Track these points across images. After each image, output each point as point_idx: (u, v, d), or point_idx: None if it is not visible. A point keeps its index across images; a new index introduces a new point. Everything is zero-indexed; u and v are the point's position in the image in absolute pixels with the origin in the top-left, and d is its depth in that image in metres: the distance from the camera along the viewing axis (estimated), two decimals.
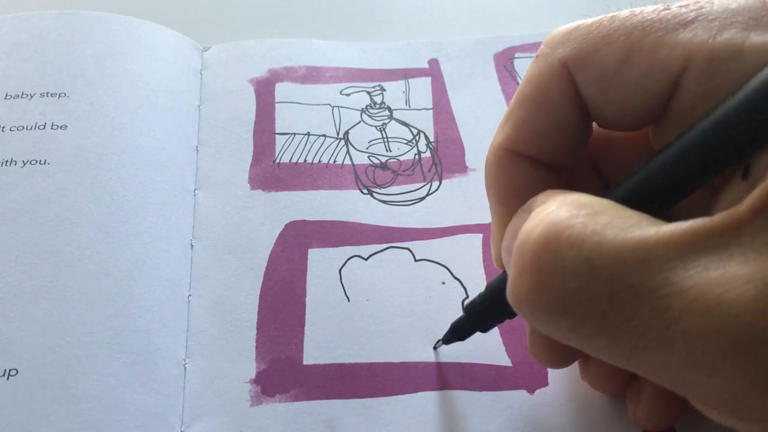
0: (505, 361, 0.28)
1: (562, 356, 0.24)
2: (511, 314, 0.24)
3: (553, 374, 0.27)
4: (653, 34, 0.19)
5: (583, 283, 0.16)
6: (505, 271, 0.23)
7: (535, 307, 0.17)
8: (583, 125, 0.23)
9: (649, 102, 0.20)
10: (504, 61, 0.39)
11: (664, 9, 0.20)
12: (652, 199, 0.19)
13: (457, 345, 0.28)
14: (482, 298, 0.25)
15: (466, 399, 0.26)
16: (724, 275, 0.15)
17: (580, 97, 0.21)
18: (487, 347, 0.28)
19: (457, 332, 0.27)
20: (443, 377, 0.27)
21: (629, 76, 0.20)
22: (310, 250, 0.31)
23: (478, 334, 0.26)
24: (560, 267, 0.16)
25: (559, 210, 0.17)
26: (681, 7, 0.20)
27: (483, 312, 0.25)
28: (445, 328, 0.28)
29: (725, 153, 0.18)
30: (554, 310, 0.17)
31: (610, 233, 0.16)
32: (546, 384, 0.27)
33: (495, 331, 0.28)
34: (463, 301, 0.29)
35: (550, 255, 0.16)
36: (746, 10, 0.18)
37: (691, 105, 0.19)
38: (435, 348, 0.28)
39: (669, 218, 0.17)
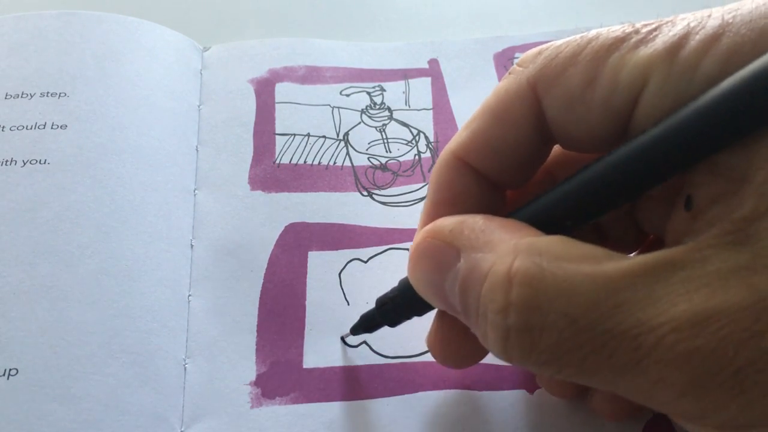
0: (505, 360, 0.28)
1: (569, 388, 0.26)
2: (420, 313, 0.25)
3: None
4: (616, 52, 0.19)
5: (565, 336, 0.17)
6: None
7: (526, 361, 0.18)
8: (539, 148, 0.22)
9: (613, 122, 0.20)
10: (504, 61, 0.39)
11: (629, 26, 0.20)
12: (564, 217, 0.20)
13: None
14: (393, 295, 0.25)
15: (466, 399, 0.26)
16: (690, 309, 0.16)
17: (542, 120, 0.21)
18: None
19: (365, 325, 0.27)
20: (443, 377, 0.27)
21: (594, 98, 0.20)
22: (309, 253, 0.31)
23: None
24: (545, 326, 0.17)
25: (524, 262, 0.18)
26: (645, 24, 0.20)
27: (393, 308, 0.25)
28: None
29: (627, 186, 0.19)
30: (542, 362, 0.18)
31: (579, 281, 0.17)
32: None
33: None
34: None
35: (535, 317, 0.18)
36: (706, 28, 0.18)
37: (648, 122, 0.19)
38: (342, 338, 0.28)
39: (604, 234, 0.18)
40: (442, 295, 0.21)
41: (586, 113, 0.20)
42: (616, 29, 0.20)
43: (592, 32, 0.20)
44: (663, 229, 0.21)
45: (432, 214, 0.23)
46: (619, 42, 0.19)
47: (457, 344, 0.25)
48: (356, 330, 0.27)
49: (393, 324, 0.26)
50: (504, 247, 0.19)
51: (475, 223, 0.20)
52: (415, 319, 0.25)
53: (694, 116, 0.17)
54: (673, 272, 0.17)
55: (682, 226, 0.19)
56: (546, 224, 0.20)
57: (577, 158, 0.23)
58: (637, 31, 0.19)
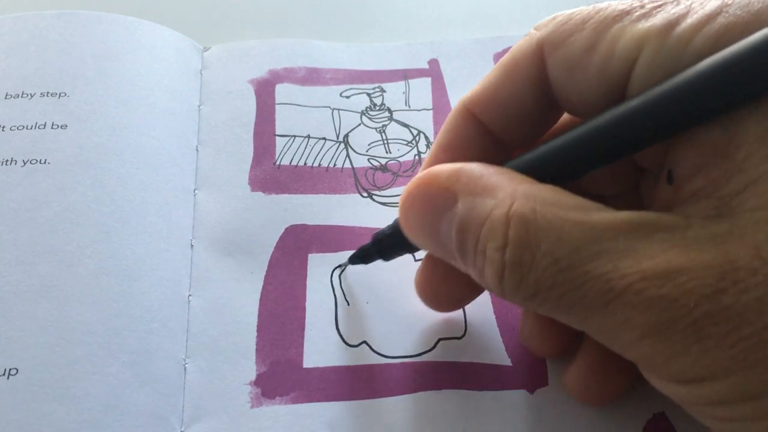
0: (505, 360, 0.28)
1: (552, 343, 0.27)
2: (411, 250, 0.27)
3: (553, 374, 0.27)
4: (619, 23, 0.21)
5: (549, 273, 0.19)
6: None
7: (515, 295, 0.20)
8: (545, 109, 0.24)
9: (608, 89, 0.21)
10: None
11: (638, 1, 0.21)
12: (554, 170, 0.21)
13: (456, 344, 0.28)
14: (389, 231, 0.27)
15: (466, 399, 0.26)
16: (662, 264, 0.18)
17: (547, 80, 0.23)
18: (487, 347, 0.28)
19: (362, 255, 0.29)
20: (443, 377, 0.27)
21: (592, 63, 0.21)
22: (309, 255, 0.31)
23: (476, 334, 0.27)
24: (534, 263, 0.19)
25: (521, 205, 0.19)
26: (652, 1, 0.21)
27: (387, 243, 0.27)
28: (445, 327, 0.28)
29: (612, 147, 0.20)
30: (528, 296, 0.20)
31: (567, 226, 0.19)
32: (546, 384, 0.27)
33: (495, 331, 0.28)
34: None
35: (527, 255, 0.19)
36: (705, 8, 0.19)
37: (640, 92, 0.20)
38: (339, 266, 0.30)
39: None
40: (436, 238, 0.22)
41: (584, 77, 0.21)
42: (625, 2, 0.21)
43: (604, 3, 0.22)
44: (652, 201, 0.22)
45: (434, 160, 0.25)
46: (623, 14, 0.21)
47: (443, 287, 0.26)
48: (353, 259, 0.29)
49: (386, 258, 0.28)
50: (503, 192, 0.20)
51: (473, 170, 0.21)
52: (414, 325, 0.27)
53: (676, 88, 0.18)
54: (654, 232, 0.18)
55: (665, 197, 0.20)
56: (537, 175, 0.21)
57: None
58: (642, 6, 0.21)
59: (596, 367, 0.25)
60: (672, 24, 0.19)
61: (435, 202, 0.22)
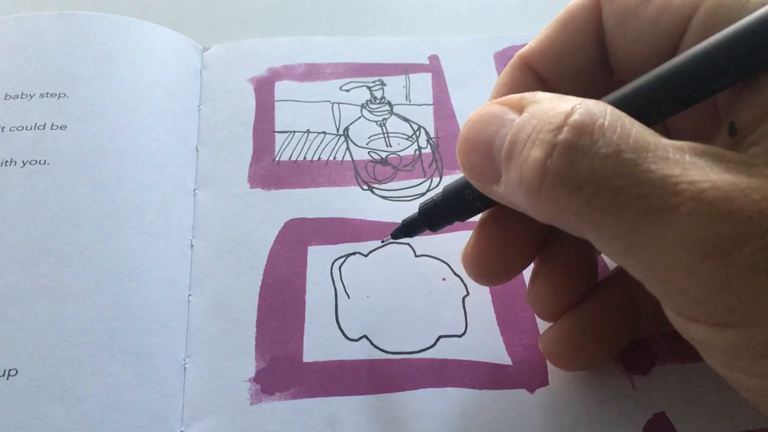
0: (505, 359, 0.28)
1: (556, 306, 0.25)
2: (460, 216, 0.25)
3: (553, 374, 0.27)
4: None
5: (609, 162, 0.17)
6: (461, 178, 0.24)
7: (561, 180, 0.18)
8: (598, 66, 0.24)
9: (660, 42, 0.21)
10: (504, 60, 0.39)
11: None
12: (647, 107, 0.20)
13: (456, 342, 0.28)
14: (437, 199, 0.26)
15: (466, 397, 0.26)
16: (734, 180, 0.16)
17: (602, 31, 0.23)
18: (488, 346, 0.28)
19: (407, 229, 0.28)
20: (443, 375, 0.27)
21: (646, 14, 0.21)
22: (309, 248, 0.31)
23: (477, 329, 0.27)
24: (592, 149, 0.17)
25: (589, 104, 0.18)
26: None
27: (435, 211, 0.26)
28: (446, 324, 0.28)
29: (702, 82, 0.19)
30: (578, 184, 0.17)
31: (636, 131, 0.17)
32: (546, 383, 0.27)
33: (495, 330, 0.28)
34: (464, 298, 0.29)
35: (586, 137, 0.17)
36: None
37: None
38: (383, 241, 0.30)
39: None
40: (486, 148, 0.21)
41: (636, 28, 0.21)
42: None
43: None
44: None
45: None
46: None
47: (493, 257, 0.25)
48: (397, 234, 0.28)
49: (434, 228, 0.26)
50: (571, 98, 0.19)
51: (547, 93, 0.20)
52: (415, 321, 0.26)
53: (741, 34, 0.18)
54: (722, 160, 0.17)
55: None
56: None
57: None
58: None
59: (575, 333, 0.25)
60: None
61: (500, 114, 0.21)
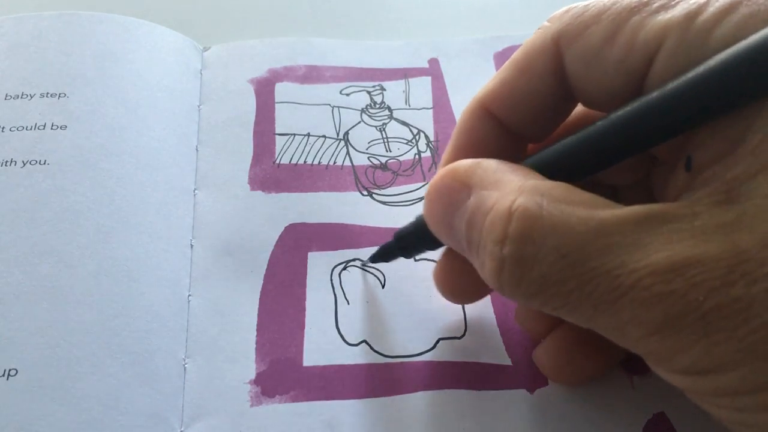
0: (505, 360, 0.28)
1: (544, 324, 0.26)
2: (433, 247, 0.26)
3: None
4: (637, 15, 0.20)
5: (554, 269, 0.19)
6: None
7: (515, 292, 0.20)
8: (561, 102, 0.23)
9: (627, 82, 0.21)
10: (504, 60, 0.39)
11: None
12: (571, 166, 0.21)
13: (456, 344, 0.28)
14: (411, 229, 0.27)
15: (466, 398, 0.26)
16: (671, 257, 0.17)
17: (564, 74, 0.22)
18: (487, 347, 0.28)
19: (383, 254, 0.29)
20: (443, 376, 0.27)
21: (611, 55, 0.21)
22: (309, 254, 0.31)
23: (478, 332, 0.27)
24: (537, 259, 0.19)
25: (526, 199, 0.19)
26: None
27: (410, 241, 0.27)
28: (445, 326, 0.28)
29: (635, 138, 0.20)
30: (531, 293, 0.19)
31: (574, 222, 0.18)
32: (546, 384, 0.27)
33: (495, 331, 0.28)
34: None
35: (529, 249, 0.19)
36: None
37: (660, 84, 0.19)
38: (363, 266, 0.30)
39: (622, 201, 0.19)
40: (451, 232, 0.22)
41: (602, 70, 0.21)
42: None
43: None
44: (664, 189, 0.22)
45: (451, 157, 0.25)
46: (642, 6, 0.20)
47: (460, 280, 0.26)
48: (375, 258, 0.29)
49: (408, 255, 0.28)
50: (510, 186, 0.20)
51: (489, 165, 0.22)
52: (414, 324, 0.26)
53: (700, 79, 0.18)
54: (662, 223, 0.18)
55: (680, 185, 0.20)
56: (554, 172, 0.21)
57: (597, 117, 0.24)
58: None
59: (568, 347, 0.26)
60: (693, 15, 0.19)
61: (452, 196, 0.22)
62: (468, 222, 0.21)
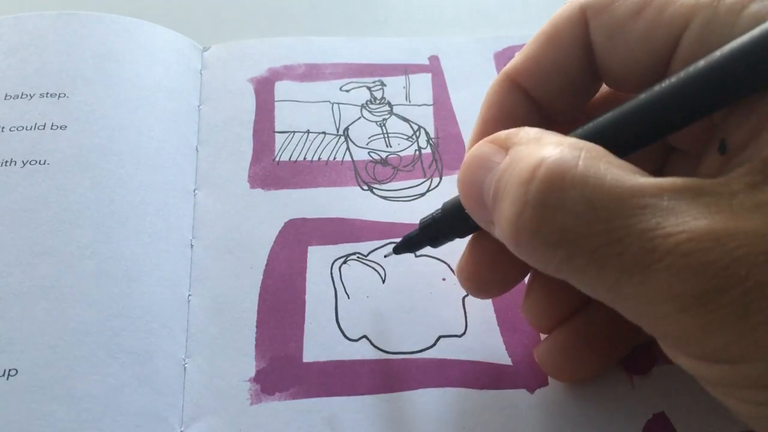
0: (505, 359, 0.28)
1: (551, 318, 0.26)
2: (461, 234, 0.25)
3: None
4: None
5: (582, 220, 0.17)
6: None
7: (535, 238, 0.18)
8: (587, 77, 0.23)
9: (651, 58, 0.21)
10: (504, 60, 0.39)
11: None
12: (614, 143, 0.20)
13: (456, 342, 0.28)
14: (437, 216, 0.26)
15: (466, 397, 0.26)
16: (710, 225, 0.16)
17: (590, 46, 0.22)
18: (488, 346, 0.28)
19: (408, 244, 0.28)
20: (443, 375, 0.27)
21: (636, 30, 0.21)
22: (309, 248, 0.31)
23: (476, 329, 0.27)
24: (564, 205, 0.17)
25: (561, 150, 0.18)
26: None
27: (436, 228, 0.26)
28: (446, 324, 0.28)
29: (683, 110, 0.19)
30: (551, 242, 0.18)
31: (610, 178, 0.17)
32: (546, 383, 0.27)
33: (495, 330, 0.28)
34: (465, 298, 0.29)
35: (556, 194, 0.17)
36: None
37: (687, 65, 0.19)
38: (385, 257, 0.29)
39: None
40: (479, 193, 0.21)
41: (627, 44, 0.21)
42: None
43: None
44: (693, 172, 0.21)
45: (481, 132, 0.24)
46: None
47: (486, 271, 0.25)
48: (398, 249, 0.28)
49: (435, 244, 0.27)
50: (548, 140, 0.19)
51: (531, 130, 0.20)
52: (415, 321, 0.26)
53: (734, 55, 0.18)
54: (700, 195, 0.17)
55: (713, 169, 0.19)
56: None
57: (621, 100, 0.24)
58: None
59: (570, 346, 0.25)
60: None
61: (487, 158, 0.21)
62: (499, 177, 0.20)
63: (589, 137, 0.20)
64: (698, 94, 0.18)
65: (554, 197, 0.17)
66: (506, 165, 0.20)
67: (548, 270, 0.19)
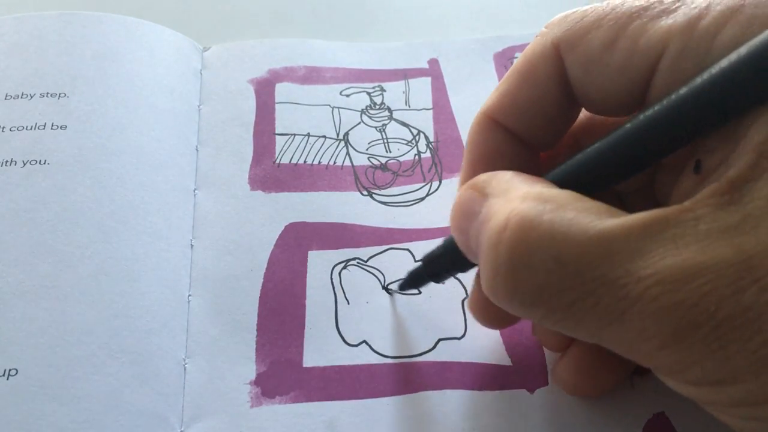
0: (505, 360, 0.28)
1: (562, 338, 0.26)
2: (463, 269, 0.25)
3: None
4: (638, 20, 0.20)
5: (553, 278, 0.18)
6: None
7: (510, 301, 0.19)
8: (566, 107, 0.23)
9: (629, 87, 0.21)
10: (504, 61, 0.39)
11: None
12: (590, 181, 0.20)
13: (456, 344, 0.28)
14: (439, 252, 0.26)
15: (466, 399, 0.26)
16: (677, 264, 0.17)
17: (566, 79, 0.22)
18: (487, 346, 0.28)
19: (413, 281, 0.28)
20: (443, 377, 0.27)
21: (612, 61, 0.21)
22: (309, 252, 0.31)
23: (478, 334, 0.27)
24: (533, 264, 0.18)
25: (526, 206, 0.19)
26: None
27: (438, 265, 0.26)
28: (445, 327, 0.28)
29: (654, 146, 0.19)
30: (528, 303, 0.18)
31: (575, 230, 0.18)
32: (546, 384, 0.27)
33: (495, 331, 0.28)
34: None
35: (524, 254, 0.18)
36: (725, 2, 0.19)
37: (665, 91, 0.19)
38: (389, 293, 0.29)
39: (626, 207, 0.18)
40: (468, 243, 0.22)
41: (604, 75, 0.21)
42: None
43: (619, 0, 0.21)
44: (669, 193, 0.21)
45: (468, 173, 0.25)
46: (642, 10, 0.20)
47: (495, 305, 0.25)
48: (404, 287, 0.28)
49: (438, 280, 0.27)
50: (515, 193, 0.20)
51: (503, 175, 0.21)
52: (414, 325, 0.26)
53: (710, 84, 0.18)
54: (666, 229, 0.17)
55: (688, 189, 0.20)
56: (573, 185, 0.20)
57: (603, 123, 0.24)
58: (660, 2, 0.20)
59: (587, 362, 0.25)
60: (695, 20, 0.19)
61: (470, 206, 0.21)
62: (477, 232, 0.20)
63: (565, 177, 0.21)
64: (672, 131, 0.19)
65: (522, 258, 0.18)
66: (481, 220, 0.20)
67: (535, 321, 0.19)
